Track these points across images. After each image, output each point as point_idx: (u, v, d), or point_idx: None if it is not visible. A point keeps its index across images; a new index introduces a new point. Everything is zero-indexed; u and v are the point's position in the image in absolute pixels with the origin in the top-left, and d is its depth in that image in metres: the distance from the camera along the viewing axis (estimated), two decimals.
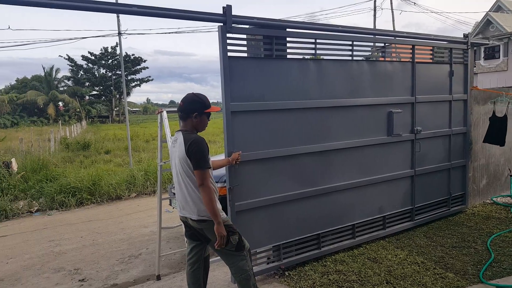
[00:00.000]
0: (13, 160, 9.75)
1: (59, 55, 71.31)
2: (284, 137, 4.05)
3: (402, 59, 5.10)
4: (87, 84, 47.82)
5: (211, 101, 3.21)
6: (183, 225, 3.16)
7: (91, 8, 3.08)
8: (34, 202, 7.77)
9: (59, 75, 48.08)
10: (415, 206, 5.27)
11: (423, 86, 5.20)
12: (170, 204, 5.71)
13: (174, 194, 3.14)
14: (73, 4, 2.98)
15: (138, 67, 47.61)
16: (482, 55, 26.18)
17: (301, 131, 4.16)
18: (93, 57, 45.70)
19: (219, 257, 3.12)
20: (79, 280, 4.29)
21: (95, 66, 47.02)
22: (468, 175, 5.96)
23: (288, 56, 4.11)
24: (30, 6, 2.92)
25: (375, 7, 25.16)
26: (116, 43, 46.23)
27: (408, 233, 5.10)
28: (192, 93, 3.03)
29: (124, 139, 18.88)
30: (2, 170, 8.55)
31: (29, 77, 49.10)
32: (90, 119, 46.71)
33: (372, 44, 4.77)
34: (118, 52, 44.75)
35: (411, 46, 5.04)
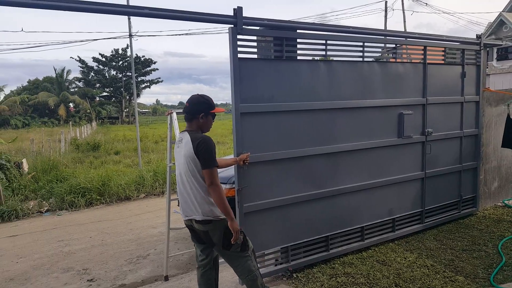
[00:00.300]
0: (24, 160, 9.88)
1: (71, 57, 72.49)
2: (294, 139, 4.03)
3: (413, 60, 5.05)
4: (97, 85, 48.27)
5: (220, 102, 3.25)
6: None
7: (102, 11, 3.10)
8: (44, 202, 7.86)
9: (70, 77, 48.63)
10: (425, 208, 5.22)
11: (435, 87, 5.15)
12: (179, 205, 5.71)
13: None
14: (85, 7, 3.01)
15: (148, 68, 47.91)
16: (495, 56, 25.83)
17: (310, 132, 4.14)
18: (103, 59, 46.11)
19: None
20: (88, 280, 4.32)
21: (105, 68, 47.44)
22: (479, 177, 5.87)
23: (299, 58, 4.09)
24: (42, 8, 2.94)
25: (386, 8, 25.01)
26: (127, 44, 46.64)
27: (418, 236, 5.04)
28: (198, 94, 3.05)
29: (134, 140, 19.03)
30: (13, 170, 8.66)
31: (40, 78, 49.76)
32: (100, 120, 47.14)
33: (383, 45, 4.74)
34: (128, 53, 45.09)
35: (422, 47, 5.00)
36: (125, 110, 50.64)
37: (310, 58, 4.22)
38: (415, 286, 3.70)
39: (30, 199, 8.12)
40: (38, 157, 11.29)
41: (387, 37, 4.72)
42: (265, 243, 3.97)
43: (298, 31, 4.04)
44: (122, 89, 47.46)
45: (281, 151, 3.95)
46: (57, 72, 46.51)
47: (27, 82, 50.58)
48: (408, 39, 4.89)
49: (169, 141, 4.24)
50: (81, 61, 46.14)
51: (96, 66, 47.05)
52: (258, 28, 3.84)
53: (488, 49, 6.15)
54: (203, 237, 2.96)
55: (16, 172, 8.79)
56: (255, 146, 3.77)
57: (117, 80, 47.53)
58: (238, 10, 3.53)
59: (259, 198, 3.84)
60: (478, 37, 5.57)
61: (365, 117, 4.54)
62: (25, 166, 9.63)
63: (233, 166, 3.68)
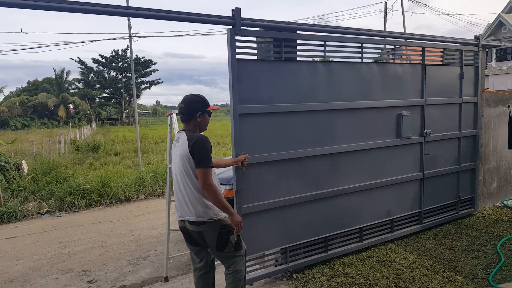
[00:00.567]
0: (23, 161, 9.89)
1: (70, 58, 72.36)
2: (292, 140, 4.04)
3: (412, 61, 5.06)
4: (97, 86, 48.29)
5: (220, 103, 3.28)
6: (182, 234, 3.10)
7: (102, 12, 3.11)
8: (43, 203, 7.86)
9: (70, 78, 48.71)
10: (424, 209, 5.23)
11: (433, 88, 5.16)
12: None
13: None
14: (84, 8, 3.01)
15: (148, 69, 47.95)
16: (494, 57, 25.88)
17: (309, 133, 4.15)
18: (103, 60, 46.15)
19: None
20: (88, 282, 4.32)
21: (105, 69, 47.47)
22: (477, 178, 5.88)
23: (297, 59, 4.10)
24: (41, 9, 2.95)
25: (385, 9, 25.04)
26: (127, 45, 46.64)
27: (417, 236, 5.05)
28: (191, 94, 3.04)
29: (134, 141, 19.03)
30: (12, 172, 8.66)
31: (40, 79, 49.79)
32: (100, 121, 47.14)
33: (382, 46, 4.76)
34: (128, 54, 45.13)
35: (421, 48, 5.01)
36: (125, 111, 50.65)
37: (310, 59, 4.22)
38: (415, 286, 3.71)
39: (30, 200, 8.11)
40: (38, 158, 11.30)
41: (386, 38, 4.73)
42: (264, 245, 3.97)
43: (297, 32, 4.05)
44: (122, 90, 47.47)
45: (279, 152, 3.96)
46: (56, 73, 46.57)
47: (27, 83, 50.71)
48: (406, 40, 4.91)
49: (169, 142, 4.25)
50: (81, 62, 46.19)
51: (96, 67, 47.10)
52: (256, 29, 3.84)
53: (487, 50, 6.16)
54: (196, 239, 2.95)
55: (16, 173, 8.79)
56: (254, 147, 3.78)
57: (117, 81, 47.55)
58: (236, 11, 3.54)
59: (257, 200, 3.85)
60: (477, 38, 5.59)
61: (364, 118, 4.55)
62: (25, 168, 9.63)
63: (232, 167, 3.69)
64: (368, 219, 4.70)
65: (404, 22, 24.17)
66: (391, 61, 4.92)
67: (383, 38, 4.68)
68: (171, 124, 4.20)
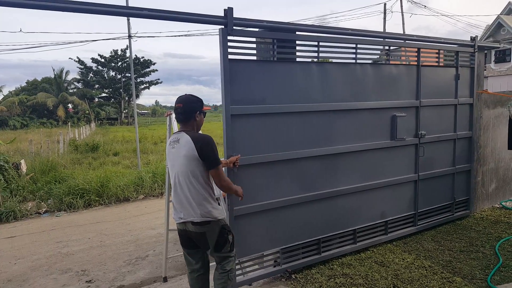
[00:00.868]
0: (22, 161, 9.87)
1: (69, 58, 72.13)
2: (285, 141, 4.01)
3: (406, 62, 5.04)
4: (96, 86, 48.24)
5: (219, 103, 3.28)
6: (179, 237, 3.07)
7: (101, 12, 3.12)
8: (42, 203, 7.85)
9: (69, 77, 48.61)
10: (418, 211, 5.20)
11: (428, 89, 5.15)
12: None
13: None
14: (84, 8, 3.02)
15: (148, 69, 47.90)
16: (493, 58, 25.92)
17: (302, 134, 4.13)
18: (103, 60, 46.10)
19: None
20: (86, 281, 4.32)
21: (104, 69, 47.42)
22: (472, 180, 5.87)
23: (291, 59, 4.06)
24: (41, 9, 2.96)
25: (385, 10, 25.04)
26: (126, 45, 46.59)
27: (416, 237, 5.06)
28: (186, 94, 3.04)
29: (133, 141, 19.02)
30: (11, 171, 8.65)
31: (39, 79, 49.67)
32: (99, 121, 47.09)
33: (376, 47, 4.70)
34: (127, 54, 45.13)
35: (416, 49, 4.99)
36: (124, 111, 50.62)
37: (303, 59, 4.19)
38: (413, 287, 3.72)
39: (29, 200, 8.10)
40: (37, 158, 11.28)
41: (380, 39, 4.68)
42: (255, 247, 3.94)
43: (290, 32, 4.01)
44: (121, 90, 47.44)
45: (272, 154, 3.92)
46: (55, 73, 46.49)
47: (26, 82, 50.65)
48: (401, 41, 4.87)
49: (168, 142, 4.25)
50: (80, 62, 46.14)
51: (95, 67, 47.05)
52: (249, 29, 3.80)
53: (486, 51, 6.17)
54: (197, 240, 2.93)
55: (15, 173, 8.78)
56: (246, 148, 3.75)
57: (116, 81, 47.51)
58: (228, 11, 3.49)
59: (250, 201, 3.80)
60: (472, 39, 5.58)
61: (358, 119, 4.53)
62: (24, 167, 9.61)
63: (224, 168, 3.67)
64: (362, 221, 4.67)
65: (403, 23, 24.18)
66: (392, 62, 4.90)
67: (377, 39, 4.63)
68: (170, 124, 4.20)
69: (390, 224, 4.94)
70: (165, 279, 4.16)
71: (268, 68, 3.87)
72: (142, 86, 49.42)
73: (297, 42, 4.10)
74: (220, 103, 3.75)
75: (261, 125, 3.86)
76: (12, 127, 37.24)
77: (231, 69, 3.62)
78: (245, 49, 3.76)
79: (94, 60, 46.01)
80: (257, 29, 3.88)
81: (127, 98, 48.82)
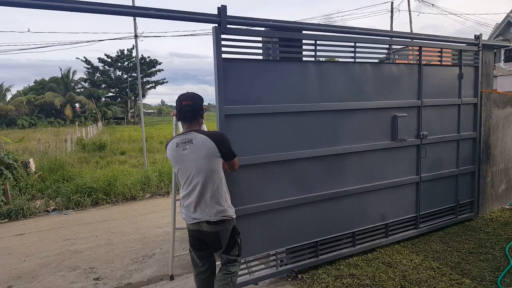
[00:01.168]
0: (31, 160, 9.96)
1: (76, 57, 72.79)
2: (282, 142, 3.93)
3: (408, 61, 4.93)
4: (103, 86, 48.55)
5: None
6: (188, 233, 2.99)
7: (108, 11, 3.12)
8: (50, 201, 7.91)
9: (76, 77, 48.97)
10: (420, 213, 5.09)
11: (431, 89, 5.03)
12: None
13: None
14: (92, 8, 3.03)
15: (153, 69, 48.12)
16: (503, 57, 25.64)
17: (300, 135, 4.04)
18: (109, 59, 46.39)
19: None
20: (94, 279, 4.35)
21: (111, 68, 47.72)
22: (481, 181, 5.78)
23: (287, 58, 3.99)
24: (48, 9, 2.97)
25: (392, 8, 24.91)
26: (133, 45, 46.85)
27: (424, 238, 5.02)
28: (188, 92, 3.00)
29: (139, 140, 19.10)
30: (20, 170, 8.73)
31: (47, 78, 50.10)
32: (106, 121, 47.40)
33: (376, 45, 4.56)
34: (134, 54, 45.35)
35: (417, 48, 4.89)
36: (131, 111, 50.89)
37: (304, 58, 4.09)
38: None
39: (37, 198, 8.18)
40: (45, 156, 11.38)
41: (380, 37, 4.54)
42: (251, 249, 3.85)
43: (285, 31, 3.91)
44: (127, 89, 47.69)
45: (267, 154, 3.84)
46: (63, 73, 46.84)
47: (34, 82, 51.03)
48: (402, 39, 4.75)
49: None
50: (87, 61, 46.46)
51: (102, 66, 47.37)
52: (244, 27, 3.69)
53: (495, 50, 6.09)
54: (210, 240, 2.87)
55: (23, 171, 8.86)
56: (241, 149, 3.61)
57: (122, 81, 47.78)
58: (222, 9, 3.42)
59: (245, 203, 3.73)
60: (477, 37, 5.45)
61: (356, 119, 4.42)
62: (32, 166, 9.70)
63: None
64: (361, 224, 4.57)
65: (410, 22, 24.03)
66: (397, 61, 4.82)
67: (377, 37, 4.50)
68: (176, 123, 4.20)
69: (390, 226, 4.82)
70: (171, 277, 4.18)
71: (264, 67, 3.78)
72: (148, 86, 49.65)
73: (298, 41, 3.99)
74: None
75: (256, 126, 3.76)
76: (20, 126, 37.60)
77: (225, 68, 3.53)
78: (239, 47, 3.65)
79: (100, 60, 46.33)
80: (253, 28, 3.77)
81: (133, 97, 49.07)
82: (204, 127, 3.68)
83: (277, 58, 3.93)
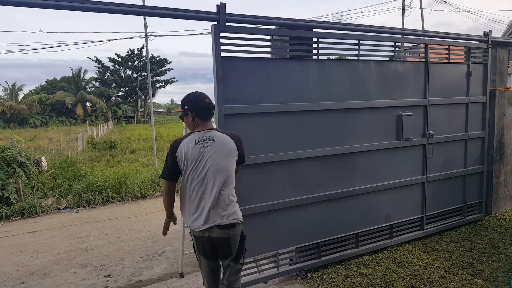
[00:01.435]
0: (43, 158, 10.09)
1: (87, 57, 73.43)
2: (284, 141, 3.86)
3: (414, 59, 4.84)
4: (113, 85, 48.93)
5: None
6: (195, 244, 2.80)
7: (118, 11, 3.14)
8: (62, 199, 8.01)
9: (87, 76, 49.45)
10: (426, 214, 4.99)
11: (437, 87, 4.93)
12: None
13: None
14: (103, 7, 3.05)
15: (163, 68, 48.38)
16: None
17: (301, 135, 3.97)
18: (119, 59, 46.75)
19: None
20: (105, 276, 4.39)
21: (121, 68, 48.08)
22: (494, 180, 5.69)
23: (288, 56, 3.94)
24: (60, 9, 3.00)
25: (403, 6, 24.60)
26: (143, 44, 47.26)
27: (435, 238, 4.96)
28: (196, 91, 2.93)
29: (149, 139, 19.22)
30: (32, 168, 8.85)
31: (58, 78, 50.65)
32: (116, 120, 47.78)
33: (381, 43, 4.45)
34: (144, 54, 45.64)
35: (424, 45, 4.79)
36: (141, 110, 51.22)
37: (303, 56, 4.02)
38: None
39: (49, 196, 8.29)
40: (56, 155, 11.53)
41: (386, 35, 4.44)
42: (253, 249, 3.79)
43: (287, 28, 3.85)
44: (137, 89, 48.02)
45: (268, 154, 3.78)
46: (74, 72, 47.32)
47: (45, 81, 51.54)
48: (407, 36, 4.66)
49: None
50: (97, 61, 46.88)
51: (112, 66, 47.73)
52: (243, 25, 3.63)
53: (510, 47, 5.98)
54: (220, 247, 2.71)
55: (35, 169, 8.98)
56: (246, 148, 3.50)
57: (132, 80, 48.12)
58: (221, 7, 3.38)
59: (245, 203, 3.62)
60: (486, 34, 5.32)
61: (360, 118, 4.34)
62: (44, 164, 9.83)
63: None
64: (365, 225, 4.49)
65: (422, 20, 23.75)
66: (409, 58, 4.76)
67: (381, 35, 4.40)
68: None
69: (395, 228, 4.73)
70: (181, 275, 4.19)
71: (264, 66, 3.71)
72: (158, 85, 49.94)
73: (299, 39, 3.93)
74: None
75: (257, 125, 3.71)
76: (32, 125, 38.13)
77: (224, 67, 3.48)
78: (238, 46, 3.59)
79: (111, 59, 46.70)
80: (252, 26, 3.69)
81: (143, 96, 49.39)
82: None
83: (278, 56, 3.87)
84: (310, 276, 4.00)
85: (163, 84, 50.22)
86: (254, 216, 3.77)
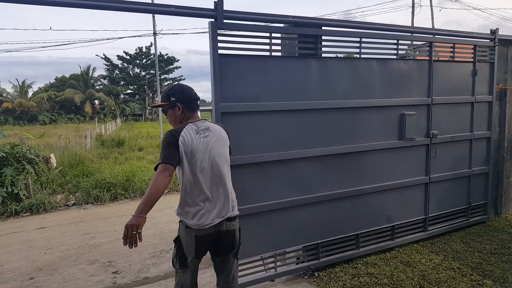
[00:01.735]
0: (52, 155, 10.18)
1: (96, 55, 74.03)
2: (282, 140, 3.81)
3: (417, 57, 4.75)
4: (122, 83, 49.27)
5: None
6: (194, 244, 2.54)
7: (127, 9, 3.13)
8: (71, 196, 8.08)
9: (96, 74, 49.80)
10: (429, 215, 4.91)
11: (442, 86, 4.82)
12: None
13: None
14: (112, 5, 3.06)
15: (171, 66, 48.61)
16: None
17: (300, 134, 3.90)
18: (128, 57, 47.04)
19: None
20: (113, 272, 4.42)
21: (130, 66, 48.37)
22: (504, 180, 5.61)
23: (287, 54, 3.88)
24: (70, 7, 3.01)
25: (413, 4, 24.39)
26: (151, 42, 47.35)
27: (444, 238, 4.92)
28: (177, 83, 2.85)
29: (157, 136, 19.30)
30: (41, 165, 8.94)
31: (67, 75, 51.12)
32: (124, 117, 48.05)
33: (383, 41, 4.36)
34: (152, 51, 45.85)
35: (428, 43, 4.70)
36: (148, 108, 51.46)
37: (304, 54, 3.96)
38: None
39: (58, 192, 8.37)
40: (65, 152, 11.62)
41: (389, 32, 4.35)
42: (259, 248, 3.79)
43: (288, 25, 3.79)
44: (145, 86, 48.27)
45: (267, 153, 3.72)
46: (83, 70, 47.71)
47: (54, 79, 52.01)
48: (412, 34, 4.58)
49: None
50: (106, 59, 47.22)
51: (121, 64, 48.04)
52: (241, 22, 3.56)
53: None
54: (226, 241, 2.60)
55: (44, 166, 9.07)
56: (239, 148, 3.50)
57: (140, 78, 48.39)
58: (218, 3, 3.32)
59: (242, 203, 3.53)
60: (492, 32, 5.21)
61: (361, 117, 4.26)
62: (53, 161, 9.92)
63: None
64: (366, 225, 4.42)
65: (432, 18, 23.52)
66: (414, 56, 4.67)
67: (383, 32, 4.31)
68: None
69: (397, 229, 4.66)
70: None
71: (263, 64, 3.64)
72: (166, 83, 50.14)
73: (300, 37, 3.88)
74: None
75: (255, 124, 3.65)
76: (41, 122, 38.53)
77: (222, 64, 3.42)
78: (236, 43, 3.52)
79: (119, 57, 47.01)
80: (251, 23, 3.62)
81: (151, 94, 49.64)
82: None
83: (277, 54, 3.80)
84: (317, 275, 3.99)
85: (171, 82, 50.41)
86: (253, 216, 3.72)
